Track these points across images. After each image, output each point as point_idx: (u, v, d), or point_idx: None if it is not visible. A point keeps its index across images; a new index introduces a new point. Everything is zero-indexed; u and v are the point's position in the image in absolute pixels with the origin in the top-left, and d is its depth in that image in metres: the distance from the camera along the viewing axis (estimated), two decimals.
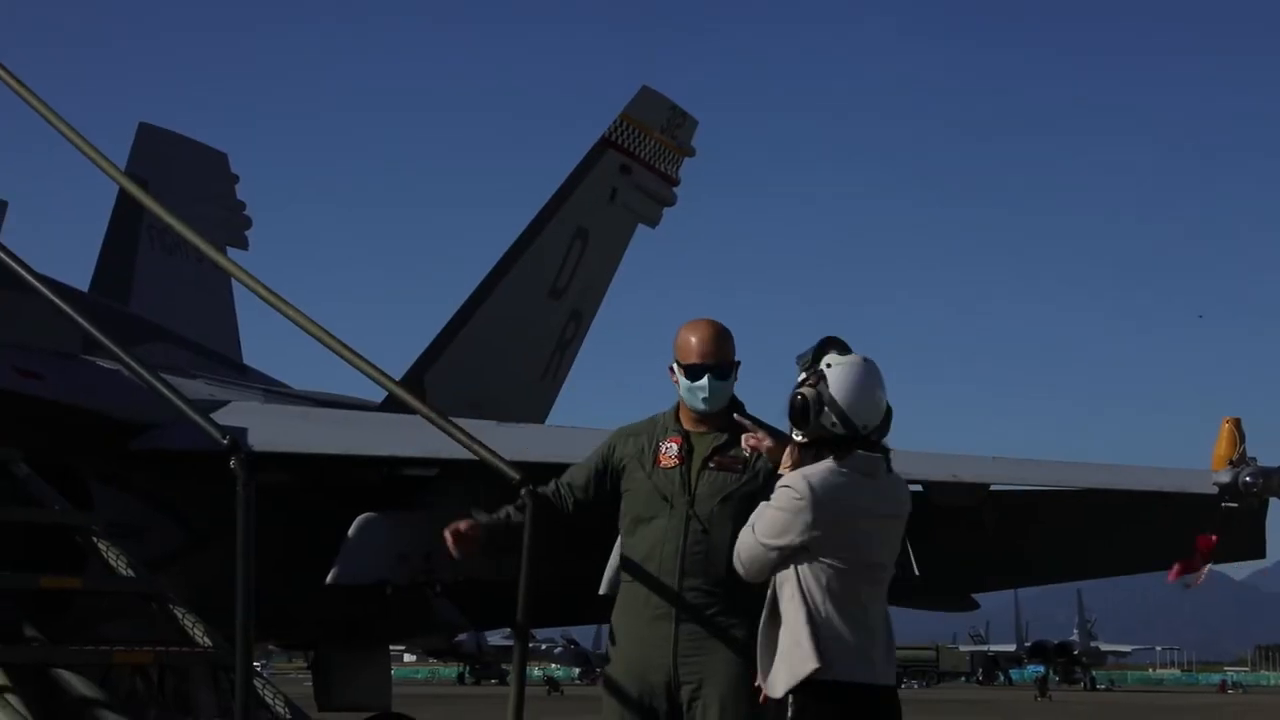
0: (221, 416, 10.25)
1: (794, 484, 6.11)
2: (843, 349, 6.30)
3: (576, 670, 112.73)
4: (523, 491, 7.04)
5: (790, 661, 6.02)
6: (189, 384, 11.81)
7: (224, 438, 6.07)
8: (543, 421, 18.26)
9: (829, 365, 6.23)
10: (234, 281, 16.42)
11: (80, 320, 6.76)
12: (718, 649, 6.50)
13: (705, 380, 6.69)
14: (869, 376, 6.25)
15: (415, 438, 11.42)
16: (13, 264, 6.92)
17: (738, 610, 6.54)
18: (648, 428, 6.82)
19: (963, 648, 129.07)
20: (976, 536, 12.41)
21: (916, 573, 11.92)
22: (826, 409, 6.15)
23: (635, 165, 18.73)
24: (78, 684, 6.49)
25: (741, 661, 6.44)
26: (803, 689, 5.99)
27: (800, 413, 6.19)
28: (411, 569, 11.96)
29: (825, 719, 5.99)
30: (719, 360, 6.71)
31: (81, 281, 15.11)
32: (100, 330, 6.72)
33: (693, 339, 6.74)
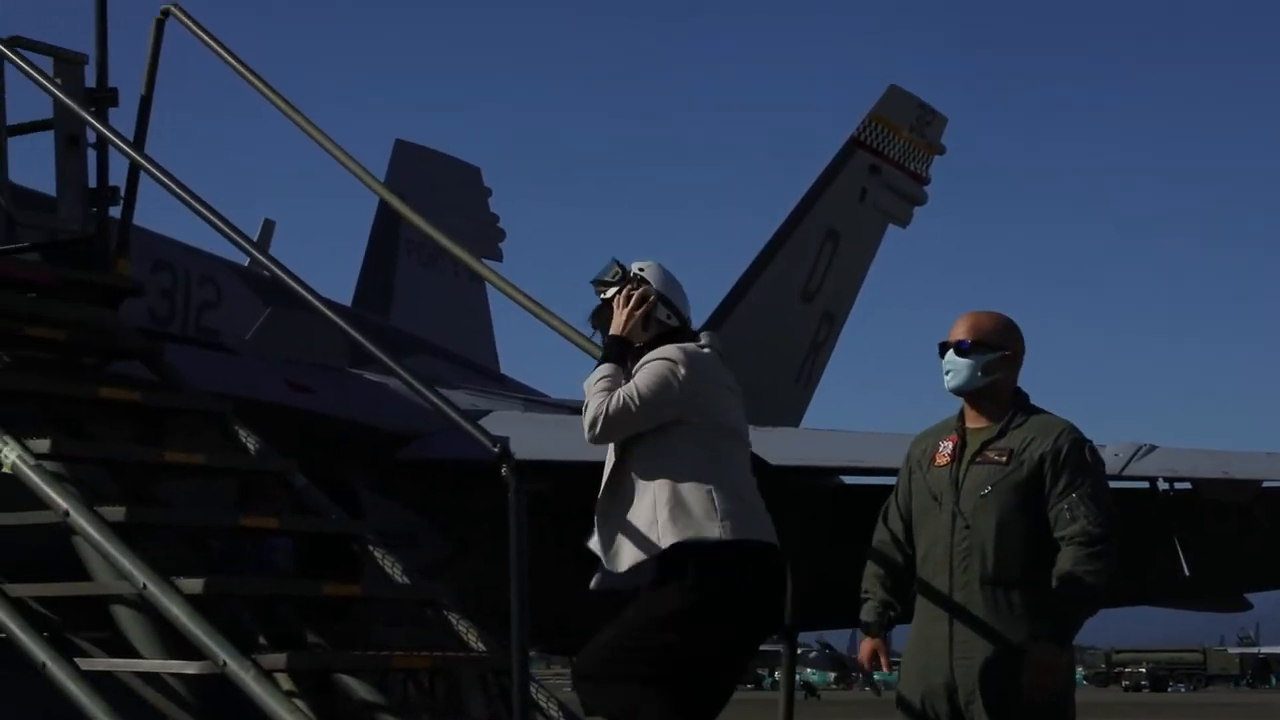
0: (484, 426, 10.45)
1: (669, 354, 6.30)
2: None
3: (832, 675, 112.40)
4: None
5: (678, 525, 6.13)
6: (451, 394, 12.05)
7: (495, 446, 6.18)
8: (797, 424, 18.25)
9: (640, 269, 6.54)
10: (489, 292, 16.82)
11: (356, 335, 6.92)
12: (990, 650, 6.37)
13: (947, 356, 6.58)
14: (673, 273, 6.63)
15: None
16: (288, 280, 7.12)
17: (1012, 609, 6.39)
18: (936, 430, 6.72)
19: (1232, 650, 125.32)
20: (1248, 534, 12.08)
21: (1187, 572, 11.66)
22: (660, 305, 6.47)
23: (885, 165, 18.63)
24: (359, 689, 6.66)
25: (1016, 663, 6.31)
26: (696, 551, 6.11)
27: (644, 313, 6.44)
28: None
29: (730, 576, 6.13)
30: (964, 337, 6.56)
31: (344, 297, 15.57)
32: (373, 345, 6.89)
33: (953, 325, 6.69)
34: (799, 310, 18.52)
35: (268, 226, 15.55)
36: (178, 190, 7.30)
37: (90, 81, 8.24)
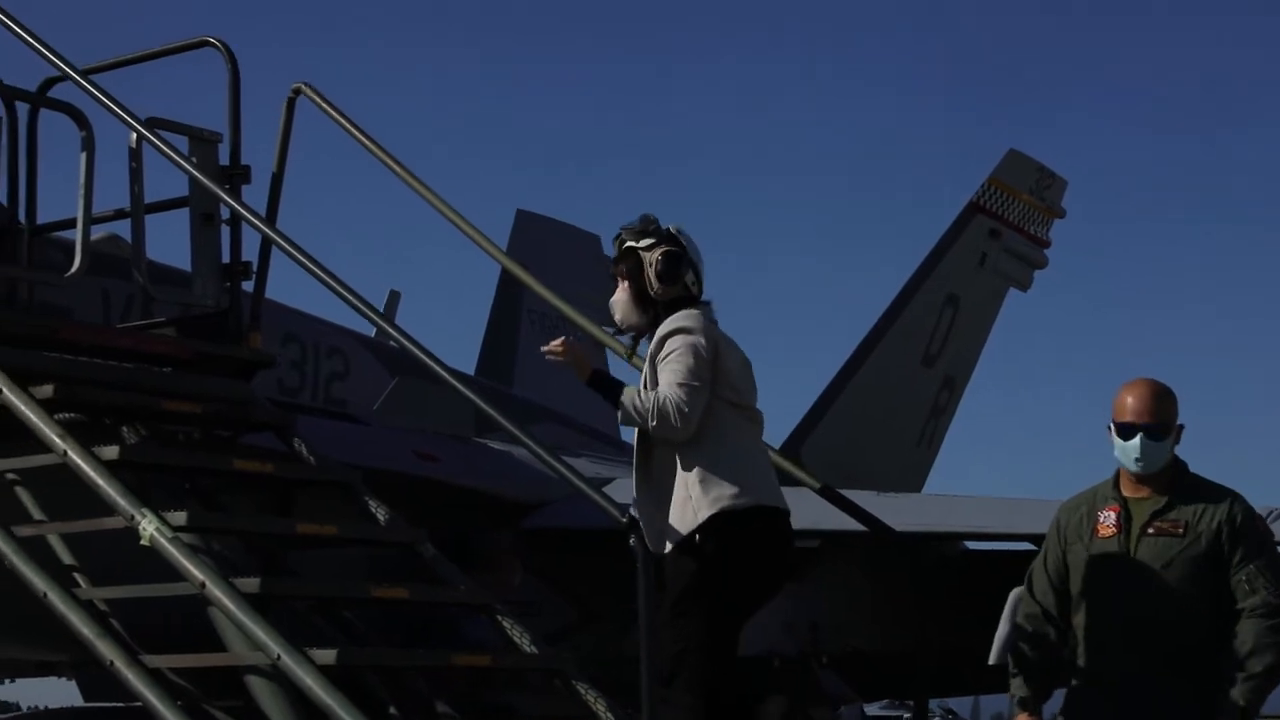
0: (608, 493, 10.49)
1: (685, 324, 6.47)
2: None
3: None
4: None
5: (710, 498, 6.38)
6: (575, 462, 12.12)
7: (623, 516, 6.24)
8: (919, 490, 18.13)
9: (678, 230, 6.66)
10: (610, 358, 16.88)
11: (483, 404, 7.01)
12: None
13: (1138, 440, 6.32)
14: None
15: (797, 509, 11.46)
16: (415, 350, 7.22)
17: (1185, 683, 6.23)
18: (1088, 498, 6.52)
19: None
20: None
21: None
22: (690, 269, 6.61)
23: (1004, 229, 18.54)
24: None
25: None
26: (721, 518, 6.37)
27: (675, 268, 6.57)
28: (798, 639, 11.98)
29: (753, 539, 6.48)
30: (1155, 420, 6.35)
31: (467, 365, 15.71)
32: (499, 414, 6.97)
33: (1129, 398, 6.39)
34: (920, 374, 18.44)
35: (393, 297, 15.75)
36: (308, 264, 7.43)
37: (224, 159, 8.42)
